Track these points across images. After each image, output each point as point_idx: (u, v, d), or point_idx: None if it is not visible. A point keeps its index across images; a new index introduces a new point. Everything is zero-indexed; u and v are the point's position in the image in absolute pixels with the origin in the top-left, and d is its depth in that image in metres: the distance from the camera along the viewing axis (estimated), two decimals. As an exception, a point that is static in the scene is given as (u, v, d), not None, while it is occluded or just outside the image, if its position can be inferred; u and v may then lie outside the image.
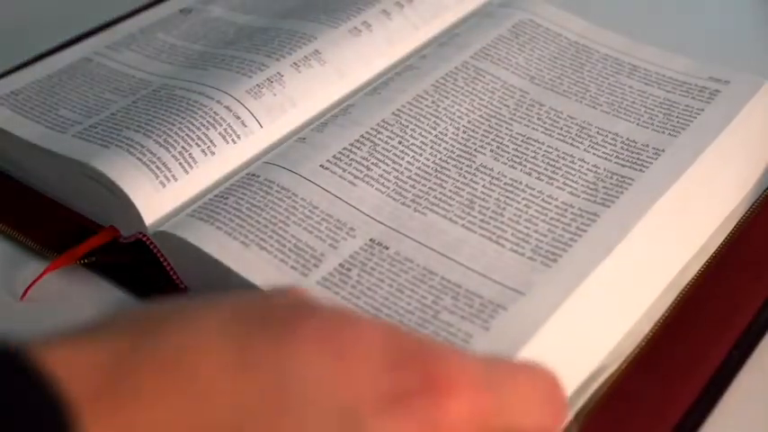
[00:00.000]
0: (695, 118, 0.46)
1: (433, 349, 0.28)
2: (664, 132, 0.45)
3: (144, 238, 0.41)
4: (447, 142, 0.45)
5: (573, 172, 0.43)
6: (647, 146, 0.44)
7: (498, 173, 0.43)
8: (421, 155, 0.44)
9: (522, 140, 0.45)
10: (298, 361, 0.25)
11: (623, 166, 0.43)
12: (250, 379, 0.25)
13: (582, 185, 0.42)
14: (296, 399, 0.25)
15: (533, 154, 0.44)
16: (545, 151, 0.45)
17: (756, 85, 0.47)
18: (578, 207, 0.41)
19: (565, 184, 0.42)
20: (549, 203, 0.41)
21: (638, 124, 0.46)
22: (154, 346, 0.24)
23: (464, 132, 0.46)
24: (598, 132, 0.46)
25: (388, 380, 0.26)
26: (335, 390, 0.25)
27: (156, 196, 0.42)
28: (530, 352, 0.34)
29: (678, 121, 0.46)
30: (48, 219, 0.46)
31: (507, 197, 0.42)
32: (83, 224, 0.45)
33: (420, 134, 0.45)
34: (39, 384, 0.22)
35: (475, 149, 0.45)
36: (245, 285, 0.38)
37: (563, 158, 0.44)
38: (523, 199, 0.42)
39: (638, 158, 0.44)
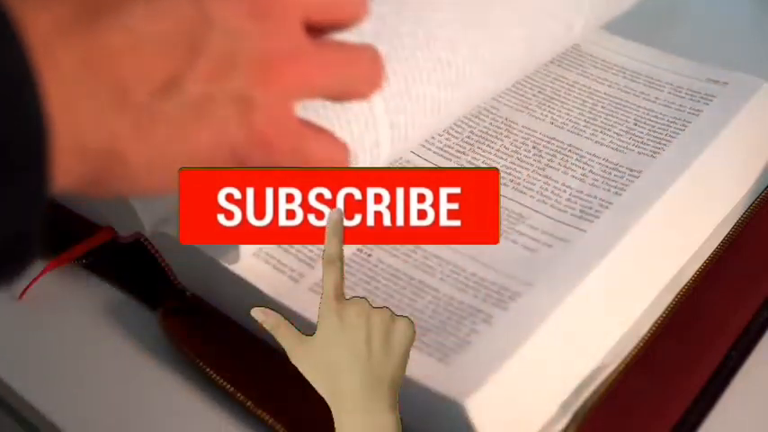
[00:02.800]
0: (693, 119, 0.46)
1: None
2: (662, 133, 0.45)
3: (142, 239, 0.41)
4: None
5: (577, 165, 0.43)
6: (646, 145, 0.44)
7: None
8: None
9: (525, 133, 0.45)
10: None
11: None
12: None
13: (590, 176, 0.42)
14: None
15: (534, 145, 0.44)
16: (545, 145, 0.45)
17: (755, 86, 0.47)
18: (586, 193, 0.41)
19: (571, 174, 0.43)
20: (557, 194, 0.42)
21: (636, 124, 0.46)
22: None
23: None
24: (604, 126, 0.46)
25: None
26: None
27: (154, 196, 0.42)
28: (529, 351, 0.34)
29: (676, 122, 0.46)
30: (45, 219, 0.46)
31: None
32: (81, 224, 0.45)
33: None
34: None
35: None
36: (242, 286, 0.38)
37: (567, 149, 0.44)
38: (540, 186, 0.42)
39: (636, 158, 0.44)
